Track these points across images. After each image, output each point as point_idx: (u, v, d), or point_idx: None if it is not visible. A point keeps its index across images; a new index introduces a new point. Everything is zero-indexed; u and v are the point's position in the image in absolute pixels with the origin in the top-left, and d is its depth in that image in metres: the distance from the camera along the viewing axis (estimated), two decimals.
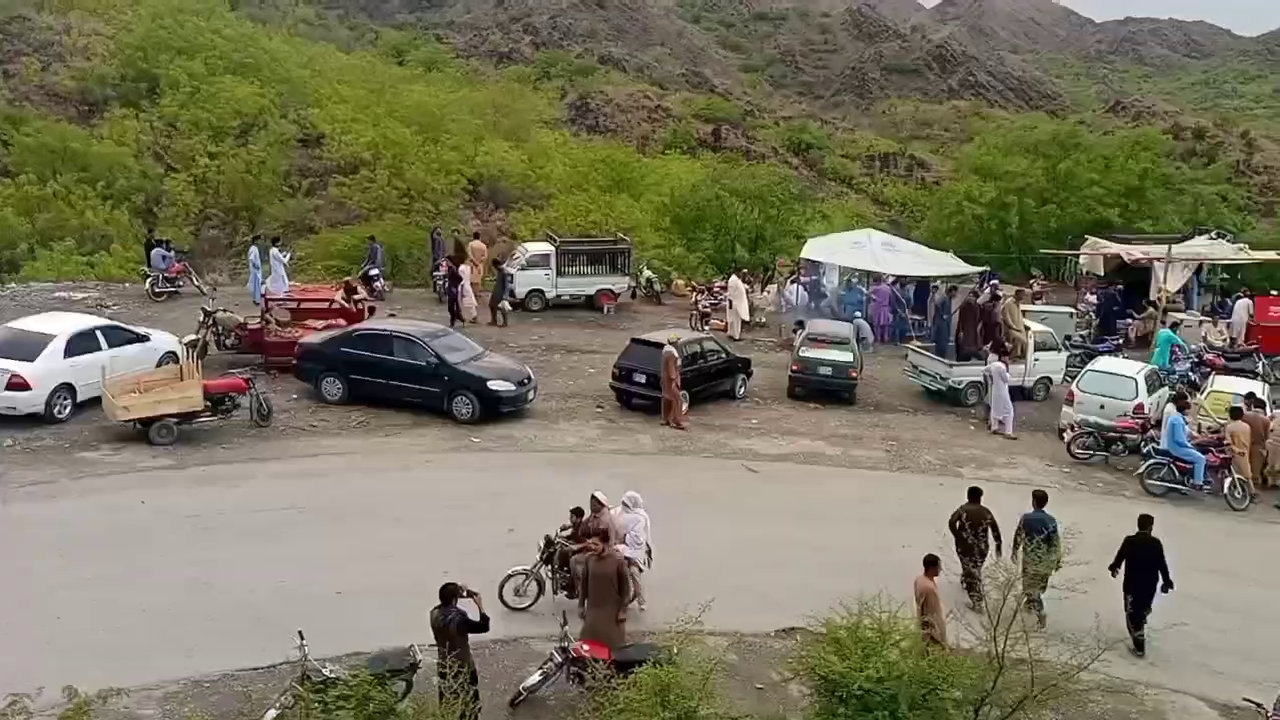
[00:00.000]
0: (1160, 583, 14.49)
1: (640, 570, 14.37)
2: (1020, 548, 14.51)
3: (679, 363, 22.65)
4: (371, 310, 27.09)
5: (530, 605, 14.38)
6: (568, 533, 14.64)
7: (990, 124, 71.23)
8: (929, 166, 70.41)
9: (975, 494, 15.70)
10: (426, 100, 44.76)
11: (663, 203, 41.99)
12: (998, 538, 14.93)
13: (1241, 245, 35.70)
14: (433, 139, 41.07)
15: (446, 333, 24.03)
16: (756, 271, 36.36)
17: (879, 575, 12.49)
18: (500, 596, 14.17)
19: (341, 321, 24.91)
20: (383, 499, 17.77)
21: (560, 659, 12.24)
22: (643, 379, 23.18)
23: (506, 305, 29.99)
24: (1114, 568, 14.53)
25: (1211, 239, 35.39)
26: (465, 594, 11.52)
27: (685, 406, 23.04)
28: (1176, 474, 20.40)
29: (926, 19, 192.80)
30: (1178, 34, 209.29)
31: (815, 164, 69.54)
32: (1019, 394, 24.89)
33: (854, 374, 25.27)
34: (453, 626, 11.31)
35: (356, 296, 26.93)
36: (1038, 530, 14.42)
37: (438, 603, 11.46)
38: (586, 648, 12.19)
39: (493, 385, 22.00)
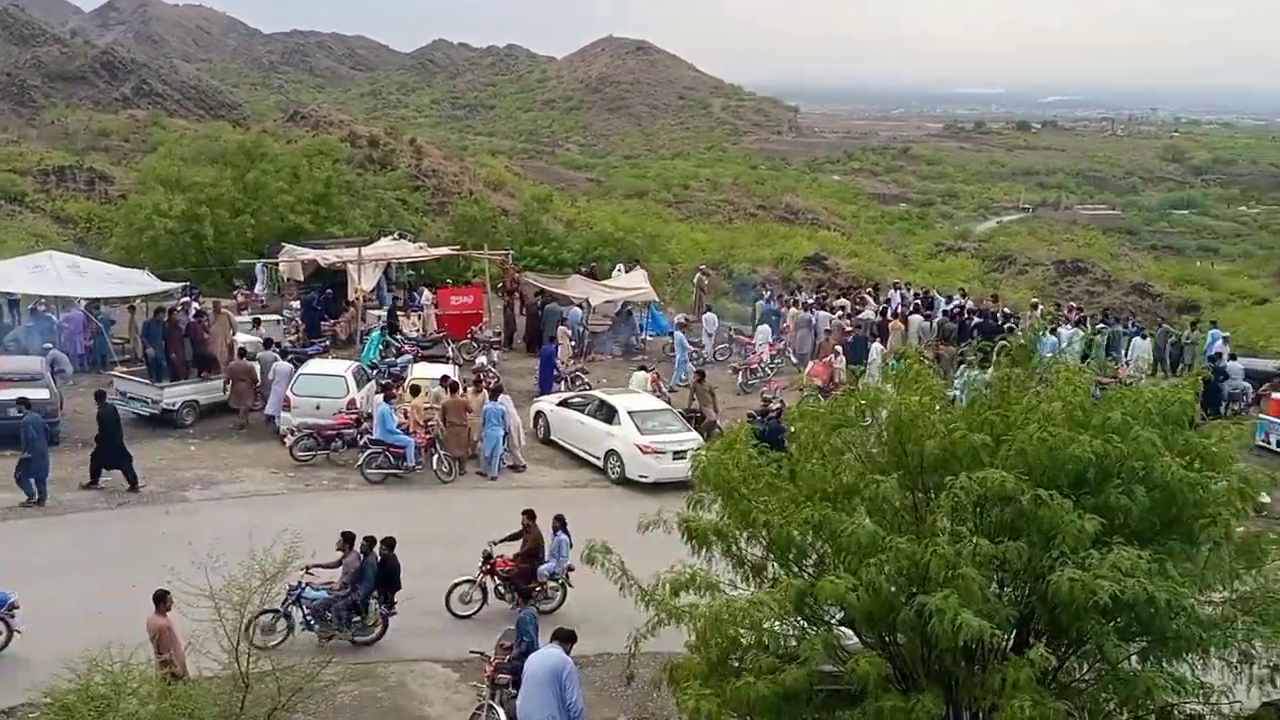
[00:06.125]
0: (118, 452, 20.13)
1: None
2: None
3: None
4: None
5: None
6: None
7: (172, 134, 68.80)
8: (112, 180, 65.89)
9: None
10: None
11: None
12: None
13: (421, 244, 39.38)
14: None
15: None
16: None
17: (111, 625, 11.62)
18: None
19: None
20: None
21: None
22: None
23: None
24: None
25: (395, 239, 38.50)
26: None
27: None
28: (392, 460, 21.91)
29: (87, 23, 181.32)
30: (342, 47, 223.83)
31: None
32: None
33: (53, 411, 22.95)
34: None
35: None
36: None
37: None
38: None
39: None
